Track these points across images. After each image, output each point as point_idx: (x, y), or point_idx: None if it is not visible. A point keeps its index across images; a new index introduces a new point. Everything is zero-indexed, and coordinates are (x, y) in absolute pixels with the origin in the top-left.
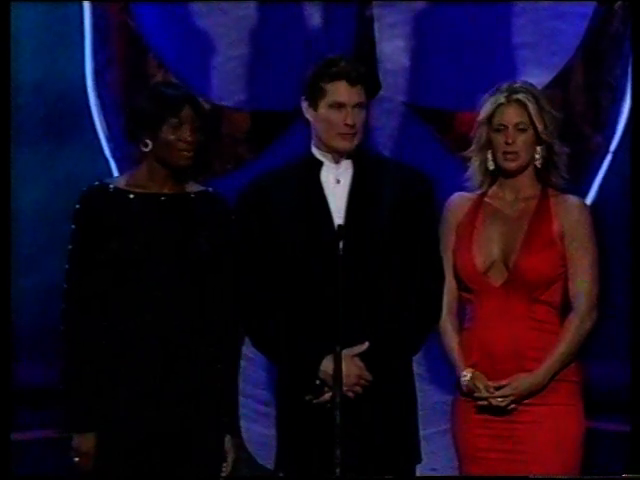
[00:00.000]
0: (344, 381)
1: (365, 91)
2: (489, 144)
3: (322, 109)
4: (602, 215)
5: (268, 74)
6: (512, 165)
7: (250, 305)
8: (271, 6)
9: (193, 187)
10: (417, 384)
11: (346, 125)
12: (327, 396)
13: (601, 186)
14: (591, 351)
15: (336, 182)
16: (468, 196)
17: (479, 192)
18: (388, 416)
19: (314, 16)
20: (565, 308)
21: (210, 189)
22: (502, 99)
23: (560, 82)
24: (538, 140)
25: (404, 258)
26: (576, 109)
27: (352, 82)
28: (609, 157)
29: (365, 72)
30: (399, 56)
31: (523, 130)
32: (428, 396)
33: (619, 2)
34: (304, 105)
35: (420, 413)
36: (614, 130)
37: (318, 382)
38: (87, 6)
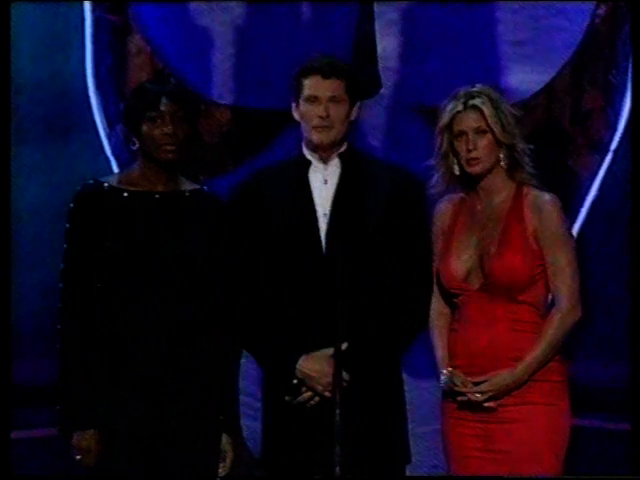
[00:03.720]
0: (321, 381)
1: (345, 86)
2: (452, 151)
3: (301, 105)
4: (602, 215)
5: (267, 73)
6: (476, 169)
7: (236, 303)
8: (270, 5)
9: (187, 185)
10: (416, 381)
11: (319, 117)
12: (306, 396)
13: (601, 185)
14: (591, 351)
15: (323, 183)
16: (452, 201)
17: (462, 194)
18: (374, 417)
19: (314, 14)
20: (549, 307)
21: (204, 187)
22: (459, 106)
23: (560, 80)
24: (498, 142)
25: (393, 258)
26: (576, 107)
27: (325, 75)
28: (609, 156)
29: (343, 67)
30: (399, 54)
31: (483, 133)
32: (427, 393)
33: (618, 0)
34: (293, 107)
35: (420, 410)
36: (614, 129)
37: (295, 381)
38: (87, 6)
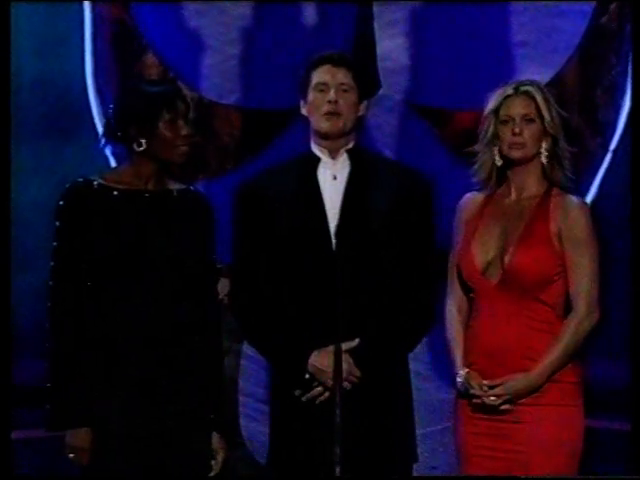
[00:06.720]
0: (332, 376)
1: (353, 77)
2: (496, 137)
3: (310, 95)
4: (602, 214)
5: (267, 73)
6: (518, 154)
7: (243, 299)
8: (270, 5)
9: (175, 185)
10: (416, 382)
11: (328, 103)
12: (316, 391)
13: (601, 185)
14: (591, 351)
15: (333, 178)
16: (477, 196)
17: (489, 192)
18: (383, 415)
19: (313, 15)
20: (567, 309)
21: (192, 187)
22: (510, 91)
23: (560, 80)
24: (544, 132)
25: (398, 258)
26: (576, 108)
27: (335, 64)
28: (609, 156)
29: (350, 58)
30: (399, 54)
31: (530, 121)
32: (427, 394)
33: (619, 1)
34: (301, 103)
35: (419, 411)
36: (614, 129)
37: (307, 376)
38: (87, 6)
